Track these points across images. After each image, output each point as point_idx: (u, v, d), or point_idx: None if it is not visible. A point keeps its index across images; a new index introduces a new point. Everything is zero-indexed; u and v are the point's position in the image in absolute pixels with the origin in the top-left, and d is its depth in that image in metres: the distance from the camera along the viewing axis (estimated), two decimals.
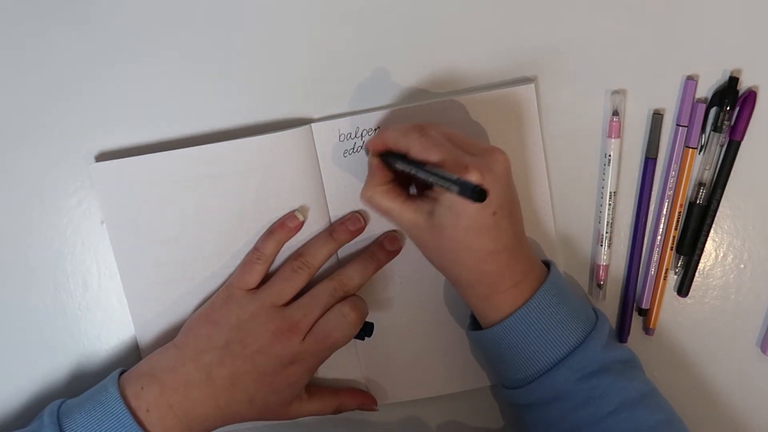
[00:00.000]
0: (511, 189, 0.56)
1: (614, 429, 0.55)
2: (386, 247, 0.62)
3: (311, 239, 0.62)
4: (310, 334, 0.58)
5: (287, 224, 0.61)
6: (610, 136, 0.63)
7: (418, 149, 0.54)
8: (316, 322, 0.58)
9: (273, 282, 0.60)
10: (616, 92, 0.63)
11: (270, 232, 0.61)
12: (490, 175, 0.52)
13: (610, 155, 0.63)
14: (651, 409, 0.56)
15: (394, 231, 0.63)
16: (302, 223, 0.61)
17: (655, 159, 0.63)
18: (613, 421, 0.55)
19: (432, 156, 0.53)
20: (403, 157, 0.55)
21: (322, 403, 0.62)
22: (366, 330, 0.61)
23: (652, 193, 0.64)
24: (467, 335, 0.62)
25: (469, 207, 0.52)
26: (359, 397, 0.64)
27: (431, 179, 0.52)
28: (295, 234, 0.61)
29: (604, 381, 0.55)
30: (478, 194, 0.48)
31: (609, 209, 0.64)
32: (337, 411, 0.63)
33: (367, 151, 0.59)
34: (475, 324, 0.60)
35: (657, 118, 0.63)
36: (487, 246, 0.54)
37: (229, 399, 0.57)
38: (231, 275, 0.62)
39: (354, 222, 0.62)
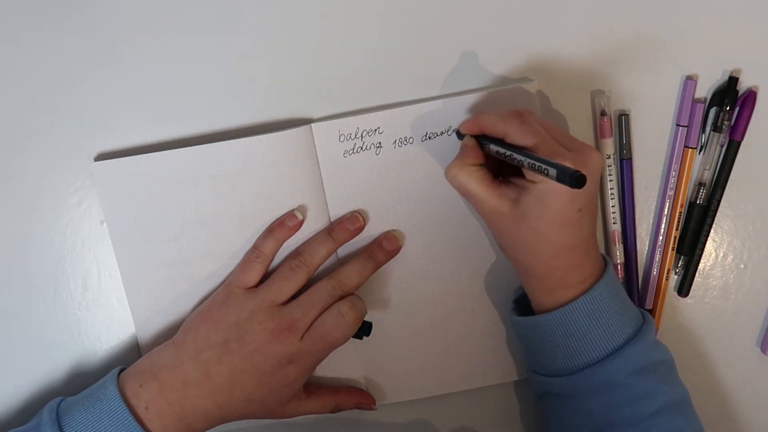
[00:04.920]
0: (597, 189, 0.56)
1: None
2: (385, 246, 0.62)
3: (310, 238, 0.62)
4: (308, 333, 0.58)
5: (286, 223, 0.61)
6: (605, 137, 0.62)
7: (517, 135, 0.54)
8: (314, 321, 0.58)
9: (272, 281, 0.60)
10: (600, 92, 0.63)
11: (269, 230, 0.61)
12: (584, 170, 0.50)
13: (609, 155, 0.63)
14: (688, 417, 0.56)
15: (393, 231, 0.63)
16: (301, 222, 0.61)
17: (629, 160, 0.63)
18: (653, 423, 0.54)
19: (529, 142, 0.53)
20: (497, 142, 0.55)
21: (320, 402, 0.62)
22: (364, 329, 0.61)
23: (652, 193, 0.64)
24: (512, 321, 0.61)
25: (557, 200, 0.53)
26: (357, 396, 0.64)
27: (527, 163, 0.52)
28: (294, 233, 0.61)
29: (650, 380, 0.55)
30: (576, 180, 0.48)
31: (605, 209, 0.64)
32: (336, 410, 0.63)
33: (459, 134, 0.59)
34: (519, 310, 0.60)
35: (624, 118, 0.63)
36: (567, 241, 0.54)
37: (227, 397, 0.57)
38: (230, 274, 0.62)
39: (353, 221, 0.62)
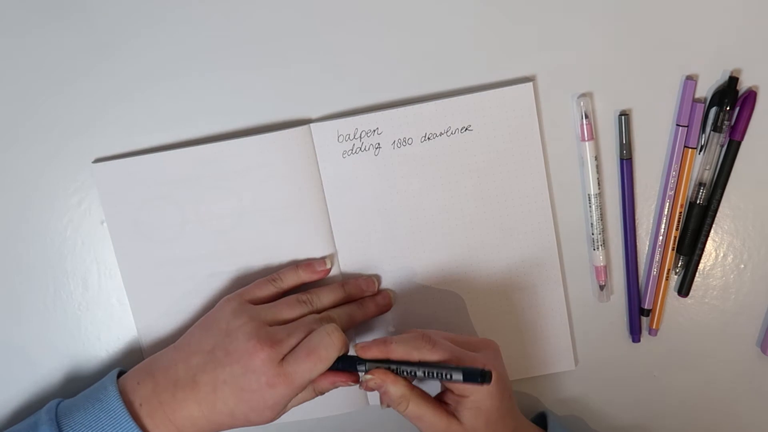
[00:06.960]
0: (503, 367, 0.59)
1: None
2: (378, 301, 0.63)
3: (323, 286, 0.62)
4: (291, 354, 0.56)
5: (314, 266, 0.62)
6: (586, 139, 0.62)
7: (432, 356, 0.56)
8: (298, 344, 0.57)
9: (274, 303, 0.59)
10: (582, 95, 0.63)
11: (295, 266, 0.62)
12: (496, 363, 0.57)
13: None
14: None
15: (388, 290, 0.64)
16: (328, 271, 0.62)
17: (629, 160, 0.63)
18: None
19: (443, 357, 0.56)
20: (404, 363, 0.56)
21: (301, 396, 0.59)
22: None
23: (652, 193, 0.64)
24: None
25: (492, 400, 0.56)
26: (332, 377, 0.59)
27: (437, 374, 0.54)
28: (317, 278, 0.62)
29: None
30: (483, 376, 0.53)
31: (596, 210, 0.63)
32: (318, 393, 0.60)
33: (354, 364, 0.57)
34: None
35: (624, 118, 0.63)
36: (509, 426, 0.58)
37: (211, 406, 0.56)
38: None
39: (368, 284, 0.63)
